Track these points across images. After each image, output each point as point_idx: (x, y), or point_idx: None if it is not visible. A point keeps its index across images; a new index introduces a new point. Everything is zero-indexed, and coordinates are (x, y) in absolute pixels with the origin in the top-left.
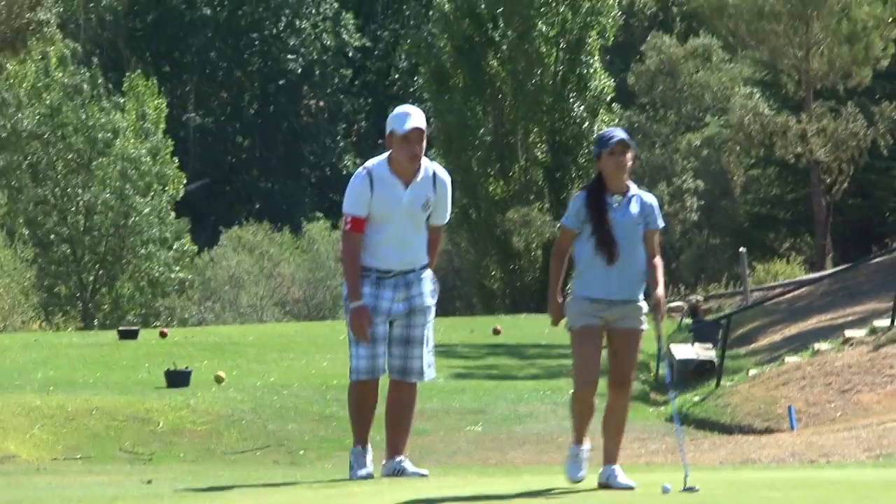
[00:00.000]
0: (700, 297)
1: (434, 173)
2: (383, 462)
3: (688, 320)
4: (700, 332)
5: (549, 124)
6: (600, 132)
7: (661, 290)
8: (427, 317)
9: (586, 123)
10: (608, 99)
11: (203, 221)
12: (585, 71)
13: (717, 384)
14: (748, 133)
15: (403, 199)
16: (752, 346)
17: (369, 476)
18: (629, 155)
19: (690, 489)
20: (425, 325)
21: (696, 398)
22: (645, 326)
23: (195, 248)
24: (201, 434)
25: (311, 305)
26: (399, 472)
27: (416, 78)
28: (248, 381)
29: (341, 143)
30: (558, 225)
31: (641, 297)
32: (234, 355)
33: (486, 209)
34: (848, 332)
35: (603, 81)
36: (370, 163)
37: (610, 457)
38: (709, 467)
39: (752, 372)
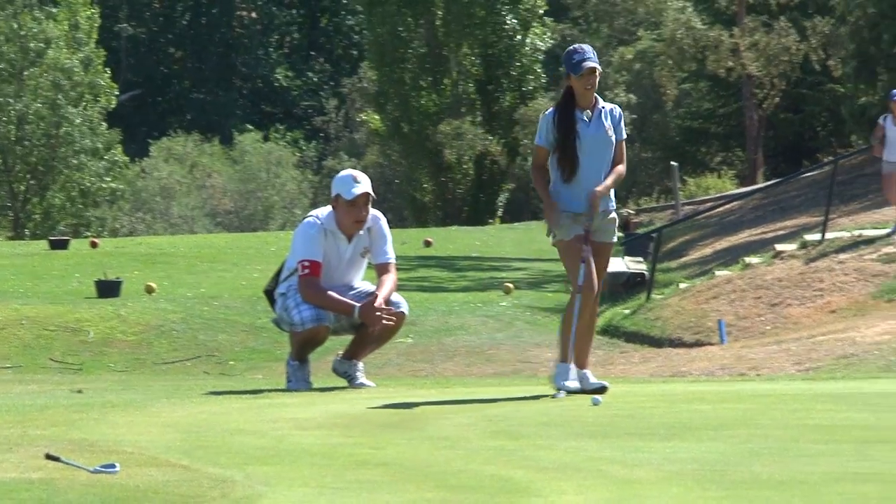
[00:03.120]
0: (631, 211)
1: (369, 227)
2: (338, 356)
3: (619, 233)
4: (631, 245)
5: (482, 37)
6: (568, 51)
7: (599, 187)
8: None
9: (518, 37)
10: (540, 12)
11: (134, 132)
12: None
13: (648, 297)
14: (680, 47)
15: (347, 254)
16: (683, 260)
17: (306, 388)
18: (597, 72)
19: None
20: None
21: (627, 311)
22: (613, 239)
23: (126, 158)
24: (132, 344)
25: (242, 217)
26: (350, 377)
27: None
28: (179, 292)
29: (273, 55)
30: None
31: (612, 206)
32: (165, 266)
33: (419, 122)
34: (779, 247)
35: None
36: (319, 214)
37: (581, 362)
38: (639, 380)
39: (683, 286)
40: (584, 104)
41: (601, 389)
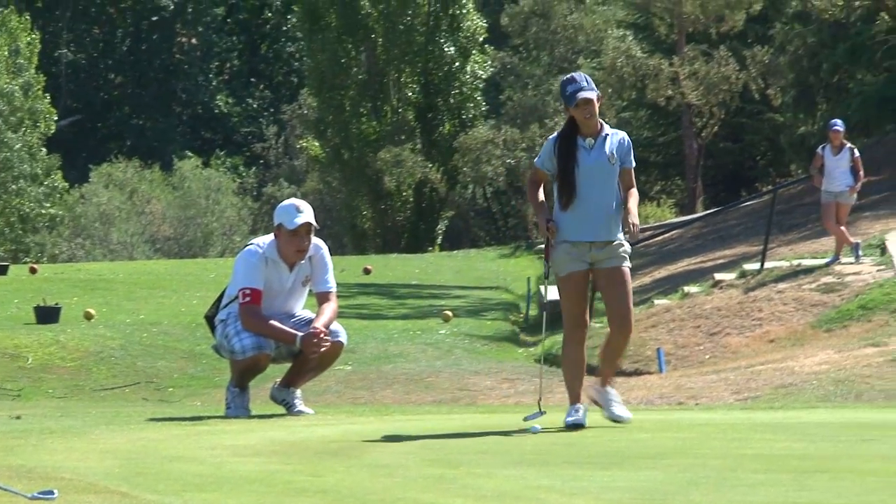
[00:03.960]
0: None
1: (310, 256)
2: (275, 383)
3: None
4: None
5: (421, 65)
6: (563, 82)
7: (632, 206)
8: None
9: (458, 64)
10: (480, 40)
11: (74, 158)
12: (458, 11)
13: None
14: (620, 75)
15: (288, 283)
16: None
17: (245, 415)
18: (595, 99)
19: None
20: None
21: None
22: (628, 264)
23: (66, 184)
24: (71, 371)
25: (182, 243)
26: (288, 405)
27: (289, 17)
28: (118, 319)
29: (214, 82)
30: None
31: (621, 235)
32: (104, 292)
33: (358, 149)
34: (718, 276)
35: (476, 22)
36: (261, 242)
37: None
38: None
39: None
40: (587, 132)
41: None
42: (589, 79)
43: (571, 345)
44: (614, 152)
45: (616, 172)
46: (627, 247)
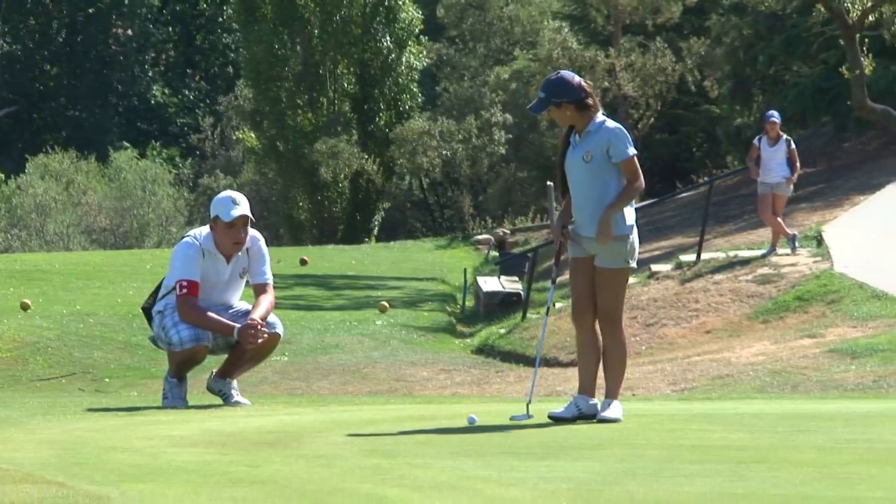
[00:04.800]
0: (507, 231)
1: (248, 248)
2: (212, 374)
3: (494, 253)
4: (506, 264)
5: (358, 56)
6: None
7: (606, 210)
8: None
9: (394, 55)
10: (416, 31)
11: (10, 149)
12: (394, 3)
13: (524, 317)
14: (556, 67)
15: (225, 275)
16: (562, 279)
17: (183, 405)
18: (558, 109)
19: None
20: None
21: (502, 330)
22: (614, 265)
23: (1, 175)
24: (7, 361)
25: (118, 234)
26: (225, 395)
27: (224, 7)
28: (54, 309)
29: (150, 73)
30: None
31: (619, 235)
32: (41, 283)
33: (294, 140)
34: (654, 267)
35: (412, 13)
36: (198, 234)
37: (584, 388)
38: (514, 400)
39: (559, 305)
40: (579, 127)
41: (605, 420)
42: (555, 84)
43: (578, 331)
44: (591, 150)
45: (597, 170)
46: (621, 245)
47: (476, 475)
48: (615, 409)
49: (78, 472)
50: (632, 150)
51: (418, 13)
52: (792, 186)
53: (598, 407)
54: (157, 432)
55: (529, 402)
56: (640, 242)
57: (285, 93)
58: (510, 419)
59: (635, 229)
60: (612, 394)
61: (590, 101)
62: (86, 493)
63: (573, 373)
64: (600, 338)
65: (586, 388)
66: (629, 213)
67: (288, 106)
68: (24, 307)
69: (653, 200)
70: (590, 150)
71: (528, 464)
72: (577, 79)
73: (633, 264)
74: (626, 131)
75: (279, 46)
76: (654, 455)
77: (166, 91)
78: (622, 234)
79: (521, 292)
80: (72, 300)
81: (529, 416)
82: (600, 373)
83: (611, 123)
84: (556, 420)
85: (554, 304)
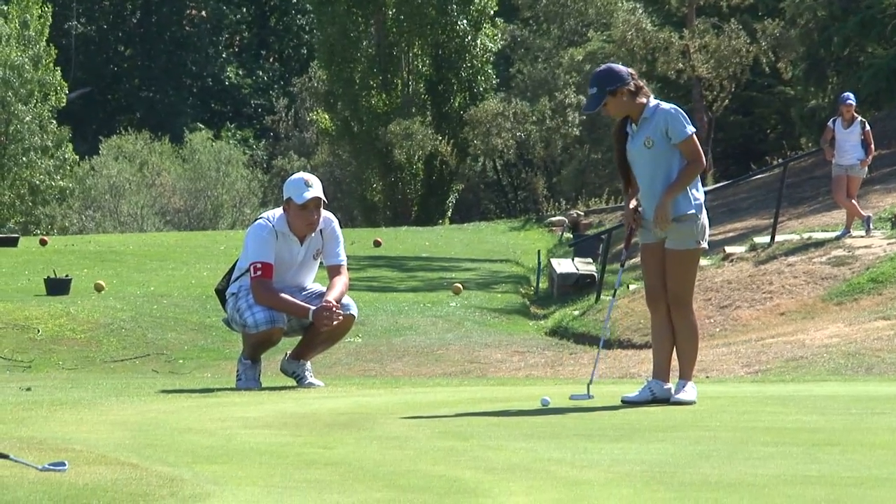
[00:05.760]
0: (581, 212)
1: (321, 229)
2: (286, 355)
3: (568, 235)
4: (580, 246)
5: (432, 38)
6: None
7: (663, 195)
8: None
9: (469, 37)
10: (491, 13)
11: (84, 130)
12: None
13: (598, 298)
14: (630, 48)
15: (299, 257)
16: (633, 262)
17: (256, 387)
18: (614, 98)
19: (586, 396)
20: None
21: (576, 312)
22: (684, 246)
23: (76, 156)
24: (81, 342)
25: (192, 215)
26: (299, 377)
27: None
28: (128, 290)
29: (223, 54)
30: None
31: (679, 213)
32: (115, 264)
33: (368, 122)
34: (728, 249)
35: None
36: (271, 216)
37: (658, 373)
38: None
39: (633, 287)
40: (635, 116)
41: (679, 402)
42: (605, 74)
43: (652, 316)
44: (650, 136)
45: (660, 154)
46: (690, 225)
47: (550, 457)
48: (689, 392)
49: (151, 454)
50: (690, 129)
51: None
52: (866, 168)
53: (672, 391)
54: (230, 414)
55: (591, 382)
56: (713, 224)
57: (359, 74)
58: (569, 398)
59: (704, 209)
60: (685, 374)
61: (642, 84)
62: (159, 475)
63: (647, 355)
64: (676, 326)
65: (660, 373)
66: (697, 193)
67: (362, 87)
68: (98, 288)
69: (727, 182)
70: (650, 136)
71: (602, 446)
72: (624, 67)
73: (704, 245)
74: (681, 111)
75: (353, 28)
76: (728, 437)
77: (240, 72)
78: (689, 214)
79: (595, 274)
80: (145, 281)
81: (590, 397)
82: (675, 357)
83: (665, 105)
84: (631, 404)
85: (626, 286)
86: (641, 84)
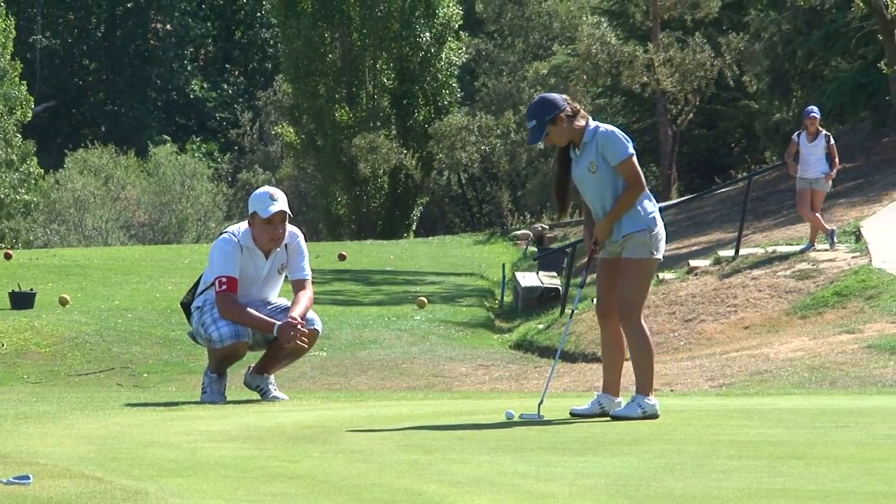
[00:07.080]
0: (545, 226)
1: (286, 244)
2: (249, 369)
3: (533, 248)
4: (545, 260)
5: (397, 51)
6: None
7: (603, 222)
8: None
9: (433, 50)
10: (455, 26)
11: (49, 144)
12: None
13: (562, 312)
14: (595, 62)
15: (264, 271)
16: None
17: (221, 401)
18: (555, 126)
19: (536, 416)
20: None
21: (541, 326)
22: (637, 255)
23: (41, 170)
24: (45, 356)
25: (157, 229)
26: (263, 391)
27: (263, 2)
28: (93, 304)
29: (188, 68)
30: None
31: (630, 230)
32: (79, 278)
33: (333, 135)
34: (693, 262)
35: (451, 9)
36: (236, 230)
37: (605, 386)
38: (553, 395)
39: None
40: (577, 140)
41: (617, 417)
42: (541, 105)
43: (602, 331)
44: (593, 160)
45: (605, 177)
46: (641, 237)
47: (514, 471)
48: (632, 408)
49: (116, 467)
50: (628, 151)
51: (457, 8)
52: (830, 182)
53: (622, 405)
54: (195, 427)
55: (541, 402)
56: (678, 238)
57: (324, 88)
58: (520, 417)
59: (659, 221)
60: (642, 389)
61: (578, 107)
62: (124, 488)
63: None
64: (625, 337)
65: (610, 387)
66: (649, 204)
67: (327, 101)
68: (63, 302)
69: (691, 196)
70: (592, 160)
71: (566, 459)
72: (557, 94)
73: (659, 256)
74: (619, 132)
75: (318, 41)
76: (692, 451)
77: (205, 86)
78: (641, 230)
79: (560, 288)
80: (110, 295)
81: (541, 417)
82: (627, 370)
83: (603, 127)
84: (579, 416)
85: (591, 299)
86: (578, 107)
